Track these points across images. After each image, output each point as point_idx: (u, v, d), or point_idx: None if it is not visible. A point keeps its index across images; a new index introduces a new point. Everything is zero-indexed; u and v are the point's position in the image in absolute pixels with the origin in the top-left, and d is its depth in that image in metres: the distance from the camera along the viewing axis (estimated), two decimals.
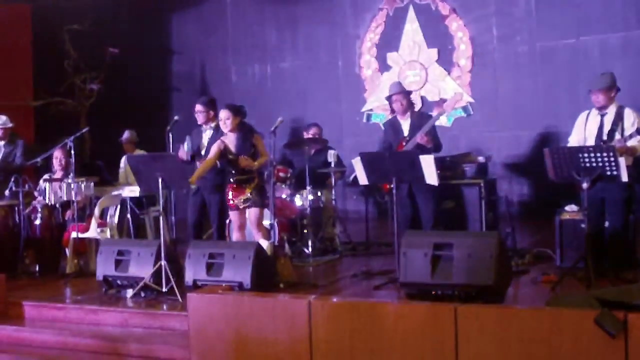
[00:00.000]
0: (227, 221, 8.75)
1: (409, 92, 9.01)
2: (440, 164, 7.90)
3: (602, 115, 7.61)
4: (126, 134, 10.65)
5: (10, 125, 10.18)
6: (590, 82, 7.75)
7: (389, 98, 8.87)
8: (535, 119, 12.02)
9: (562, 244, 8.03)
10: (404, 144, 8.52)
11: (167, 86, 15.08)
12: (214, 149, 7.96)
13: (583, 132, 7.73)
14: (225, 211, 8.73)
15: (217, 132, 8.65)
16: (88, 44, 13.79)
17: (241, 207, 7.92)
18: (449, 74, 12.65)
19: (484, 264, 5.97)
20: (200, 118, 8.92)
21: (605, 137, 7.49)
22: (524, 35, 12.18)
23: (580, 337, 4.90)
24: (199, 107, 8.92)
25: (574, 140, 7.80)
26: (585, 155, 6.91)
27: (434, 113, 10.37)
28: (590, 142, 7.56)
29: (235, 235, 8.09)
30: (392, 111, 8.92)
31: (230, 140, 7.90)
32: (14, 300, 7.68)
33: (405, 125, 8.68)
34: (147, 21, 14.70)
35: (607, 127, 7.55)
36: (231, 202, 7.96)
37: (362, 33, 13.37)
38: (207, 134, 8.91)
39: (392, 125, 8.91)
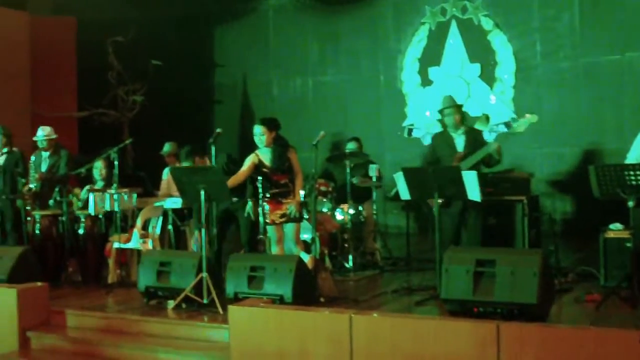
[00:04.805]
0: (258, 237, 8.74)
1: (461, 106, 8.51)
2: (482, 180, 7.76)
3: None
4: (166, 147, 10.69)
5: (54, 136, 10.24)
6: None
7: (441, 112, 8.55)
8: (579, 136, 11.94)
9: (606, 262, 7.91)
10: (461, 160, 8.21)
11: (210, 99, 15.18)
12: (248, 163, 7.93)
13: None
14: (253, 226, 8.78)
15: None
16: (131, 56, 13.93)
17: (278, 222, 7.88)
18: (491, 89, 12.61)
19: (527, 282, 5.92)
20: None
21: None
22: (568, 51, 12.12)
23: (626, 358, 4.84)
24: None
25: (632, 157, 7.65)
26: (632, 172, 6.82)
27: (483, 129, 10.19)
28: None
29: (274, 250, 8.07)
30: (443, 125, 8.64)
31: (265, 154, 7.87)
32: (57, 309, 7.75)
33: (460, 140, 8.24)
34: (190, 34, 14.81)
35: None
36: (268, 217, 7.93)
37: (404, 47, 13.38)
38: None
39: (444, 140, 8.44)
